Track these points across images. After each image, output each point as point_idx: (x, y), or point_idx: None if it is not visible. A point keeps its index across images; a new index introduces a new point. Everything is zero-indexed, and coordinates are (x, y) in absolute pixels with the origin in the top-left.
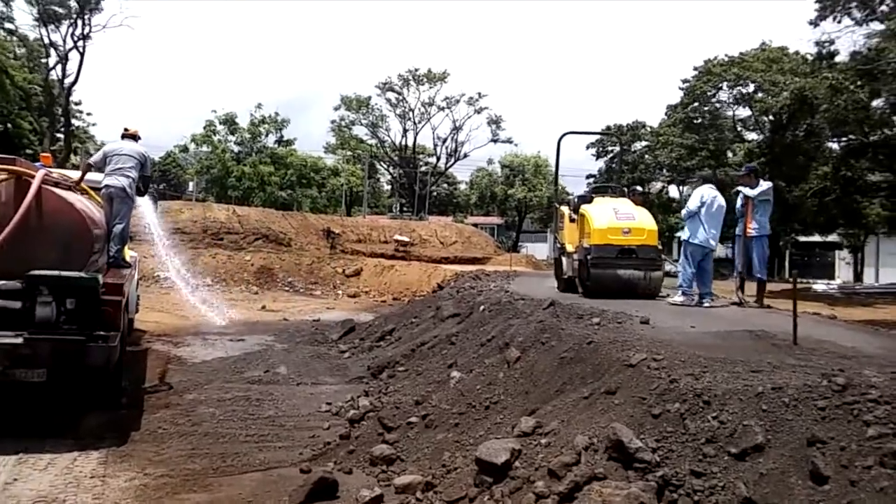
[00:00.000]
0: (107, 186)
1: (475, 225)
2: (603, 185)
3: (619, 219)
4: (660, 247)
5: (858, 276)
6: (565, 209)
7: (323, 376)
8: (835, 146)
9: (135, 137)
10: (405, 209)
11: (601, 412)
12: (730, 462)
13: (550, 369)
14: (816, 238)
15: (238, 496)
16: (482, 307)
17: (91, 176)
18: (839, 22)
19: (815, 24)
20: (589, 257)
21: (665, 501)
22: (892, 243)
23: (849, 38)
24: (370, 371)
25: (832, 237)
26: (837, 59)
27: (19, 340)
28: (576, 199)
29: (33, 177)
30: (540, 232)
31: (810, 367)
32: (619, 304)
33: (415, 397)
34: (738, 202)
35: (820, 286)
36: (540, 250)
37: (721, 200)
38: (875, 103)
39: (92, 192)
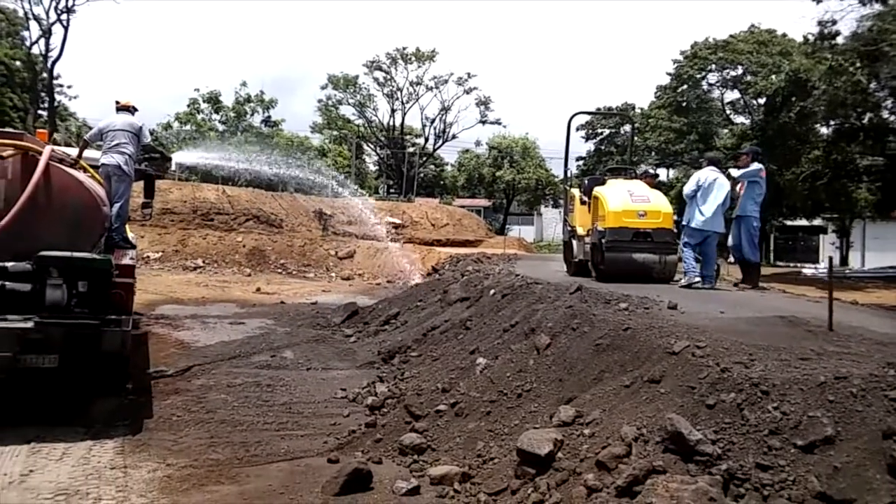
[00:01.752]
0: (104, 165)
1: (462, 207)
2: (616, 167)
3: (634, 201)
4: (675, 230)
5: (844, 260)
6: (576, 192)
7: (332, 361)
8: (825, 130)
9: (128, 109)
10: (392, 190)
11: (646, 402)
12: (798, 455)
13: (586, 356)
14: (801, 222)
15: (268, 488)
16: (492, 291)
17: (87, 153)
18: (842, 0)
19: (818, 0)
20: (603, 240)
21: (731, 496)
22: (878, 227)
23: (851, 18)
24: (381, 356)
25: (816, 221)
26: (839, 39)
27: (30, 325)
28: (587, 182)
29: (40, 153)
30: (527, 214)
31: (854, 354)
32: (637, 289)
33: (438, 384)
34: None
35: (809, 270)
36: (527, 233)
37: (722, 181)
38: (872, 85)
39: (92, 170)
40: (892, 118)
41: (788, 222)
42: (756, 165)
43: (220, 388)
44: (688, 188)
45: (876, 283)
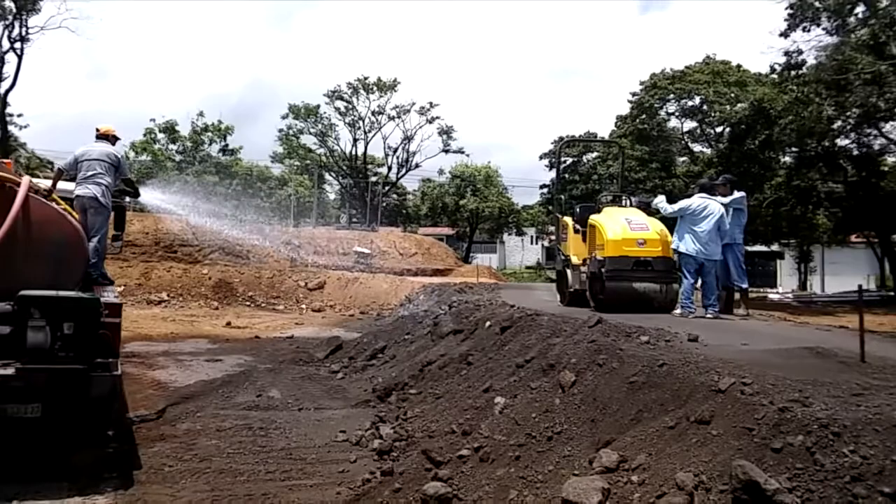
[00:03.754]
0: (79, 196)
1: (427, 236)
2: (609, 194)
3: (632, 229)
4: (675, 258)
5: (804, 285)
6: (569, 220)
7: (323, 400)
8: (786, 158)
9: (108, 138)
10: (355, 220)
11: (697, 445)
12: None
13: (619, 395)
14: (758, 247)
15: None
16: (488, 323)
17: (61, 185)
18: (808, 31)
19: (784, 34)
20: (603, 270)
21: None
22: (834, 253)
23: (817, 48)
24: (375, 393)
25: (773, 246)
26: (804, 69)
27: (10, 371)
28: (580, 210)
29: (18, 184)
30: (489, 242)
31: None
32: (639, 319)
33: (452, 425)
34: None
35: (774, 295)
36: (491, 261)
37: (714, 207)
38: (831, 113)
39: (64, 203)
40: (853, 146)
41: (747, 248)
42: (740, 193)
43: (209, 432)
44: (664, 205)
45: (844, 307)
